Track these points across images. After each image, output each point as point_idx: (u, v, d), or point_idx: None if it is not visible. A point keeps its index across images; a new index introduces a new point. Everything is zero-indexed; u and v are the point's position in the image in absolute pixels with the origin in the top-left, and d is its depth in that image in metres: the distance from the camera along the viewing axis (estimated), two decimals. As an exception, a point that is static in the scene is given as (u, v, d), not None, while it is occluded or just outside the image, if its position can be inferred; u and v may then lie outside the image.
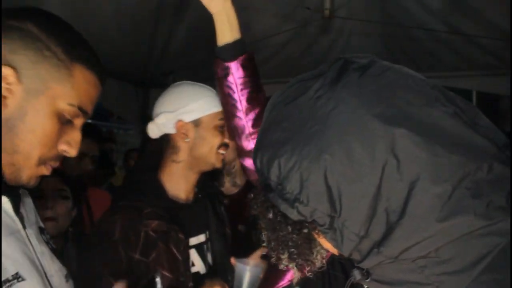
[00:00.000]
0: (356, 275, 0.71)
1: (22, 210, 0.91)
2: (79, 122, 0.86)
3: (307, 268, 1.02)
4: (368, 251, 0.64)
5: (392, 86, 0.64)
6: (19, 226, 0.86)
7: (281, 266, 0.88)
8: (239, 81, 1.23)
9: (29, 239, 0.87)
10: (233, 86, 1.24)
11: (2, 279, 0.76)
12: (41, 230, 0.97)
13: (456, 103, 0.64)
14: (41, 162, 0.83)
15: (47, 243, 0.96)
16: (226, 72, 1.23)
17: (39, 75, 0.79)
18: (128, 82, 3.84)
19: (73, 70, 0.82)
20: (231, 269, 1.40)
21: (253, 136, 1.27)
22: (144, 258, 1.28)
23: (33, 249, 0.87)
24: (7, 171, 0.81)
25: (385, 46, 3.43)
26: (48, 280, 0.88)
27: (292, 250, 0.77)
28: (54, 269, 0.93)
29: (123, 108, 3.91)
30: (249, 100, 1.26)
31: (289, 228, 0.73)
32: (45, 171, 0.85)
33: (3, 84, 0.76)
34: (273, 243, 0.78)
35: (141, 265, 1.27)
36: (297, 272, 0.93)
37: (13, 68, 0.76)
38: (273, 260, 0.86)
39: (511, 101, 3.56)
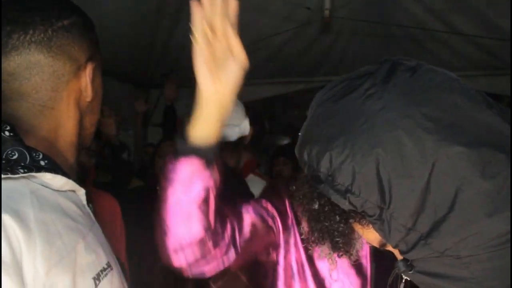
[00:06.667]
0: (401, 266, 0.72)
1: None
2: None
3: (344, 259, 1.02)
4: (414, 242, 0.65)
5: (441, 88, 0.67)
6: (93, 218, 0.86)
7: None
8: None
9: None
10: None
11: (99, 268, 0.77)
12: None
13: (496, 107, 0.66)
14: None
15: None
16: None
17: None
18: (128, 82, 3.83)
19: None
20: None
21: None
22: None
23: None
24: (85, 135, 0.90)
25: (385, 46, 3.43)
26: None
27: (338, 239, 0.80)
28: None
29: (123, 108, 3.91)
30: None
31: (337, 218, 0.76)
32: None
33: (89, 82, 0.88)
34: (315, 234, 0.81)
35: None
36: (332, 263, 0.96)
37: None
38: (310, 252, 0.89)
39: (511, 101, 3.55)
